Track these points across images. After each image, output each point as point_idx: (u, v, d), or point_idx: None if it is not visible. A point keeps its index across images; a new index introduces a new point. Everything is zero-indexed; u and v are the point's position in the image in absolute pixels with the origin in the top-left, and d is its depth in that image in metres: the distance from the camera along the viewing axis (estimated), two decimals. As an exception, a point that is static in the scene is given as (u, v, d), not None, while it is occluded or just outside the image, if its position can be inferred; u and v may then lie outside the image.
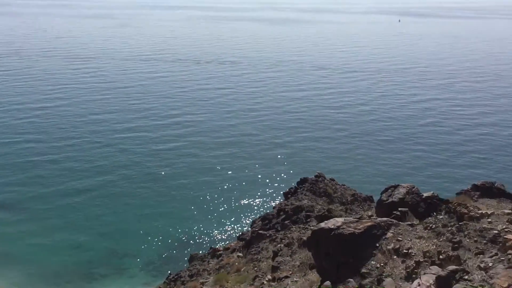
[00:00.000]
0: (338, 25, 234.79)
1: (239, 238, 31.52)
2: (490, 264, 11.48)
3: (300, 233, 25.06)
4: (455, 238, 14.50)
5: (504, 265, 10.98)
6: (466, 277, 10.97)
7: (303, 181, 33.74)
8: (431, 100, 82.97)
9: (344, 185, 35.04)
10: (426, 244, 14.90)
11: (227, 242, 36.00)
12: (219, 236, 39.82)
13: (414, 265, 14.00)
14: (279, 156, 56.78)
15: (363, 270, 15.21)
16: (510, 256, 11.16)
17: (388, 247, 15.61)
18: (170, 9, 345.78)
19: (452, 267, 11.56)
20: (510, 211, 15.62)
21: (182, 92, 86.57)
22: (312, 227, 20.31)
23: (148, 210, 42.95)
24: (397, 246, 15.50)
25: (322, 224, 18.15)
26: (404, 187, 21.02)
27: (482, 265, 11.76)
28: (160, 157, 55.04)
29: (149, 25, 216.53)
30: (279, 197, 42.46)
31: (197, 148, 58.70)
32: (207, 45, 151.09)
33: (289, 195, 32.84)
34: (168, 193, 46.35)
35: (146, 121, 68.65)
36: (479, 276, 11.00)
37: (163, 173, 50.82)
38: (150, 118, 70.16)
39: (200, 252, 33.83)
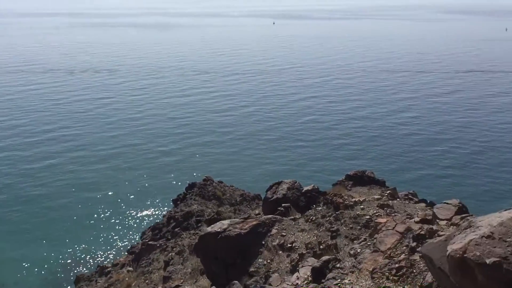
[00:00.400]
0: (218, 29, 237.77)
1: (129, 252, 30.35)
2: (359, 250, 12.26)
3: (191, 239, 24.74)
4: (333, 227, 15.29)
5: (370, 250, 11.78)
6: (338, 265, 11.57)
7: (191, 186, 33.45)
8: (309, 98, 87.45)
9: (232, 186, 35.39)
10: (308, 236, 15.53)
11: (117, 257, 34.31)
12: (107, 253, 37.81)
13: (298, 257, 14.49)
14: (166, 165, 55.68)
15: (251, 269, 15.40)
16: (375, 240, 11.99)
17: (274, 243, 15.97)
18: (38, 16, 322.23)
19: (325, 257, 12.15)
20: (379, 197, 16.92)
21: (55, 105, 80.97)
22: (199, 233, 20.16)
23: (25, 235, 39.33)
24: (282, 241, 15.93)
25: (209, 229, 18.06)
26: (286, 183, 21.73)
27: (351, 252, 12.51)
28: (34, 177, 50.76)
29: (15, 34, 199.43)
30: (169, 205, 41.53)
31: (76, 163, 55.21)
32: (82, 54, 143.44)
33: (179, 202, 32.36)
34: (46, 214, 42.90)
35: (16, 139, 62.97)
36: (349, 263, 11.66)
37: (38, 193, 46.92)
38: (21, 136, 64.51)
39: (87, 272, 31.83)
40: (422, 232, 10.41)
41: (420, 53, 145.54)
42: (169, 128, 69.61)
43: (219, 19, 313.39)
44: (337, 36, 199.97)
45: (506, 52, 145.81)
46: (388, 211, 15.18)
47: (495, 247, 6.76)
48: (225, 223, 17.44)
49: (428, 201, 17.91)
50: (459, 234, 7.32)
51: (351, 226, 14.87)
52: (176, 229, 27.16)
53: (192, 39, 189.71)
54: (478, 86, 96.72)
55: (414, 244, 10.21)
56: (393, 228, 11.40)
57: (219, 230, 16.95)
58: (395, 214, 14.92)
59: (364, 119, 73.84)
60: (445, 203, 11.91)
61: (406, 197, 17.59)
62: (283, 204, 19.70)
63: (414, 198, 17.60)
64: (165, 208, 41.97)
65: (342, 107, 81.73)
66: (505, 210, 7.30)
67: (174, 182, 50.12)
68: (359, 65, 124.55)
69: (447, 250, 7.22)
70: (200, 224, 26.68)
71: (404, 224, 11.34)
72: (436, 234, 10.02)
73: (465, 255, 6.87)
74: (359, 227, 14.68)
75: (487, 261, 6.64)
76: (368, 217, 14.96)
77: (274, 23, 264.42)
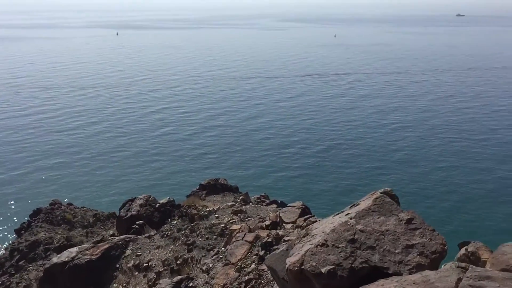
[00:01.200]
0: (56, 41, 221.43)
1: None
2: (211, 265, 12.26)
3: (39, 271, 22.45)
4: (189, 240, 15.07)
5: (222, 263, 11.86)
6: (191, 284, 11.40)
7: (36, 212, 30.58)
8: (161, 110, 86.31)
9: (84, 207, 33.14)
10: (164, 253, 15.06)
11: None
12: None
13: (155, 276, 13.95)
14: (5, 194, 49.99)
15: (106, 297, 14.40)
16: (225, 253, 12.10)
17: (129, 264, 15.17)
18: None
19: (177, 278, 11.89)
20: (233, 203, 17.18)
21: None
22: (44, 265, 18.28)
23: None
24: (137, 262, 15.20)
25: (55, 259, 16.51)
26: (140, 199, 20.95)
27: (204, 268, 12.45)
28: None
29: None
30: (13, 237, 37.25)
31: None
32: None
33: (22, 231, 29.27)
34: None
35: None
36: (202, 280, 11.58)
37: None
38: None
39: None
40: (269, 240, 10.73)
41: (265, 60, 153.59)
42: (7, 153, 62.72)
43: (55, 30, 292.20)
44: (185, 45, 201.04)
45: (337, 56, 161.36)
46: (242, 216, 15.46)
47: (329, 254, 6.94)
48: (73, 251, 16.10)
49: (279, 202, 18.74)
50: (298, 243, 7.54)
51: (207, 236, 14.81)
52: (21, 262, 24.45)
53: (27, 52, 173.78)
54: (317, 89, 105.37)
55: (263, 252, 10.48)
56: (243, 238, 11.57)
57: (66, 259, 15.59)
58: (249, 218, 15.28)
59: (218, 128, 75.29)
60: (290, 206, 12.47)
61: (259, 200, 18.16)
62: (137, 222, 18.91)
63: (266, 200, 18.26)
64: (7, 241, 37.56)
65: (195, 117, 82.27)
66: (337, 213, 7.74)
67: (17, 212, 45.21)
68: (208, 74, 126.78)
69: (286, 263, 7.25)
70: (49, 253, 24.40)
71: (253, 232, 11.59)
72: (282, 240, 10.41)
73: (302, 267, 6.96)
74: (215, 236, 14.68)
75: (323, 270, 6.78)
76: (223, 225, 15.05)
77: (117, 34, 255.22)
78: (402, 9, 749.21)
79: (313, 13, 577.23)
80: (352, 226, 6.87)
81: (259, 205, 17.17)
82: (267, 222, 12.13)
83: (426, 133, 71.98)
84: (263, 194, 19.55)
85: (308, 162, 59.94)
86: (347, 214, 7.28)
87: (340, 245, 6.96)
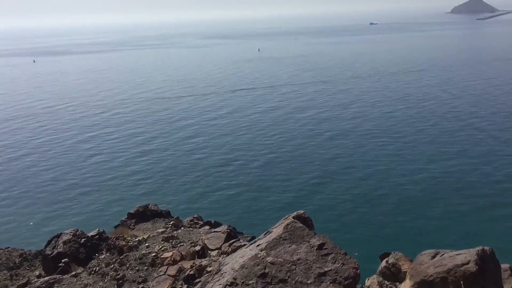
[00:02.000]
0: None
1: None
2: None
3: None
4: (119, 274, 14.10)
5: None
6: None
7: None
8: (89, 139, 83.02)
9: (8, 248, 30.62)
10: (92, 291, 14.00)
11: None
12: None
13: (82, 319, 12.86)
14: None
15: None
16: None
17: (54, 310, 13.91)
18: None
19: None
20: (164, 229, 16.39)
21: None
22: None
23: None
24: (63, 305, 13.99)
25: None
26: (67, 233, 19.55)
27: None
28: None
29: None
30: None
31: None
32: None
33: None
34: None
35: None
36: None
37: None
38: None
39: None
40: (192, 272, 10.18)
41: (193, 78, 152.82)
42: None
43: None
44: (108, 69, 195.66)
45: (264, 70, 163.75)
46: (173, 243, 14.75)
47: (239, 294, 6.57)
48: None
49: (213, 222, 18.18)
50: (209, 283, 7.12)
51: (137, 268, 13.92)
52: None
53: None
54: (249, 104, 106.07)
55: (185, 287, 9.93)
56: (165, 272, 10.92)
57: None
58: (181, 244, 14.60)
59: (152, 152, 73.45)
60: (214, 231, 11.98)
61: (192, 223, 17.49)
62: (63, 260, 17.58)
63: (199, 222, 17.63)
64: None
65: (127, 142, 79.88)
66: (251, 243, 7.33)
67: None
68: (137, 96, 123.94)
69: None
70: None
71: (176, 264, 10.98)
72: (204, 271, 9.90)
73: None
74: (146, 267, 13.84)
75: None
76: (154, 254, 14.24)
77: (34, 61, 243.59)
78: (319, 21, 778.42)
79: (234, 29, 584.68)
80: (262, 259, 6.54)
81: (192, 229, 16.49)
82: (198, 248, 11.54)
83: (358, 139, 74.34)
84: (196, 216, 18.87)
85: (246, 179, 59.69)
86: (258, 245, 6.93)
87: (250, 282, 6.68)
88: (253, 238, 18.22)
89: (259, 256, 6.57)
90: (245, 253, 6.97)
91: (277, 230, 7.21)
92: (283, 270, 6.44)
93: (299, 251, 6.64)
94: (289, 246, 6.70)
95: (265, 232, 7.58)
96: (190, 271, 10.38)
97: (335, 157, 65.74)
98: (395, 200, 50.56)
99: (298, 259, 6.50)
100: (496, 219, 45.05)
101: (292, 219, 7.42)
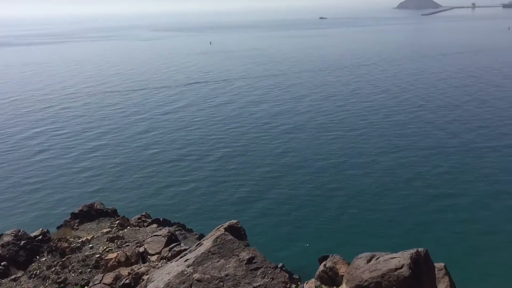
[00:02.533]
0: None
1: None
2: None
3: None
4: (60, 278, 13.45)
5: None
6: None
7: None
8: (36, 135, 79.65)
9: None
10: (32, 296, 13.30)
11: None
12: None
13: (21, 326, 12.17)
14: None
15: None
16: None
17: (-10, 317, 13.11)
18: None
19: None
20: (109, 229, 15.79)
21: None
22: None
23: None
24: (0, 312, 13.21)
25: None
26: (8, 234, 18.52)
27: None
28: None
29: None
30: None
31: None
32: None
33: None
34: None
35: None
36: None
37: None
38: None
39: None
40: (128, 281, 9.78)
41: (145, 71, 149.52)
42: None
43: None
44: (54, 61, 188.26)
45: (217, 64, 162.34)
46: (119, 243, 14.23)
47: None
48: None
49: (162, 220, 17.71)
50: None
51: (80, 270, 13.33)
52: None
53: None
54: (202, 98, 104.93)
55: None
56: (101, 281, 10.45)
57: None
58: (127, 244, 14.11)
59: (103, 147, 71.36)
60: (155, 235, 11.61)
61: (139, 221, 16.96)
62: (1, 264, 16.63)
63: (147, 220, 17.11)
64: None
65: (77, 137, 77.23)
66: (179, 257, 7.03)
67: None
68: (86, 90, 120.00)
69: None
70: None
71: (112, 272, 10.53)
72: (141, 279, 9.52)
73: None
74: (89, 269, 13.28)
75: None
76: (98, 255, 13.69)
77: None
78: (270, 14, 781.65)
79: (185, 22, 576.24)
80: (188, 276, 6.29)
81: (138, 228, 15.98)
82: (142, 249, 11.13)
83: (311, 132, 75.16)
84: (144, 214, 18.32)
85: (199, 174, 59.04)
86: (186, 260, 6.67)
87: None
88: (201, 236, 17.93)
89: (185, 273, 6.30)
90: (172, 269, 6.67)
91: (206, 243, 6.95)
92: (210, 288, 6.18)
93: (227, 266, 6.42)
94: (218, 261, 6.47)
95: (196, 244, 7.31)
96: (126, 279, 9.95)
97: (288, 151, 66.19)
98: (348, 192, 51.48)
99: (226, 275, 6.28)
100: (444, 209, 46.79)
101: (223, 231, 7.19)
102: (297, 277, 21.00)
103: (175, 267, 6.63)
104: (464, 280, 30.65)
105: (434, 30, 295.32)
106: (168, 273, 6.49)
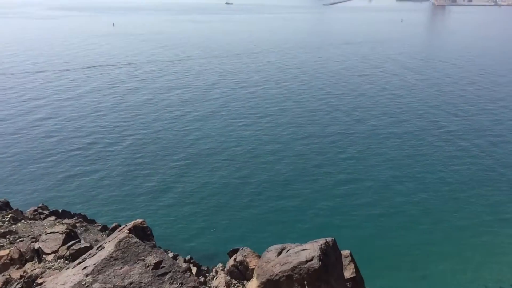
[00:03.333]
0: None
1: None
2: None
3: None
4: None
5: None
6: None
7: None
8: None
9: None
10: None
11: None
12: None
13: None
14: None
15: None
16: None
17: None
18: None
19: None
20: (1, 224, 14.28)
21: None
22: None
23: None
24: None
25: None
26: None
27: None
28: None
29: None
30: None
31: None
32: None
33: None
34: None
35: None
36: None
37: None
38: None
39: None
40: (19, 286, 8.79)
41: (43, 53, 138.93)
42: None
43: None
44: None
45: (122, 47, 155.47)
46: (11, 238, 12.86)
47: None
48: None
49: (61, 211, 16.39)
50: None
51: (-35, 272, 11.87)
52: None
53: None
54: (107, 82, 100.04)
55: None
56: None
57: None
58: (21, 239, 12.80)
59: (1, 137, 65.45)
60: (52, 232, 10.55)
61: (35, 213, 15.53)
62: None
63: (44, 212, 15.72)
64: None
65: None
66: (77, 263, 6.32)
67: None
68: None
69: None
70: None
71: (2, 275, 9.41)
72: (34, 283, 8.59)
73: None
74: (-24, 270, 11.85)
75: None
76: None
77: None
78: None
79: (85, 2, 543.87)
80: (87, 286, 5.66)
81: (34, 221, 14.61)
82: (37, 245, 10.05)
83: (222, 119, 74.92)
84: (40, 205, 16.83)
85: (105, 163, 56.43)
86: (84, 268, 6.01)
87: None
88: (104, 227, 16.91)
89: (83, 283, 5.61)
90: (68, 278, 5.91)
91: (108, 247, 6.28)
92: (112, 299, 5.58)
93: (132, 273, 5.85)
94: (121, 268, 5.87)
95: (97, 247, 6.60)
96: (18, 283, 8.91)
97: (199, 138, 65.48)
98: (259, 179, 52.14)
99: (131, 283, 5.72)
100: (349, 193, 49.14)
101: (127, 234, 6.56)
102: (206, 268, 20.69)
103: (72, 276, 5.89)
104: (368, 261, 32.47)
105: (337, 20, 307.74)
106: (63, 284, 5.73)
